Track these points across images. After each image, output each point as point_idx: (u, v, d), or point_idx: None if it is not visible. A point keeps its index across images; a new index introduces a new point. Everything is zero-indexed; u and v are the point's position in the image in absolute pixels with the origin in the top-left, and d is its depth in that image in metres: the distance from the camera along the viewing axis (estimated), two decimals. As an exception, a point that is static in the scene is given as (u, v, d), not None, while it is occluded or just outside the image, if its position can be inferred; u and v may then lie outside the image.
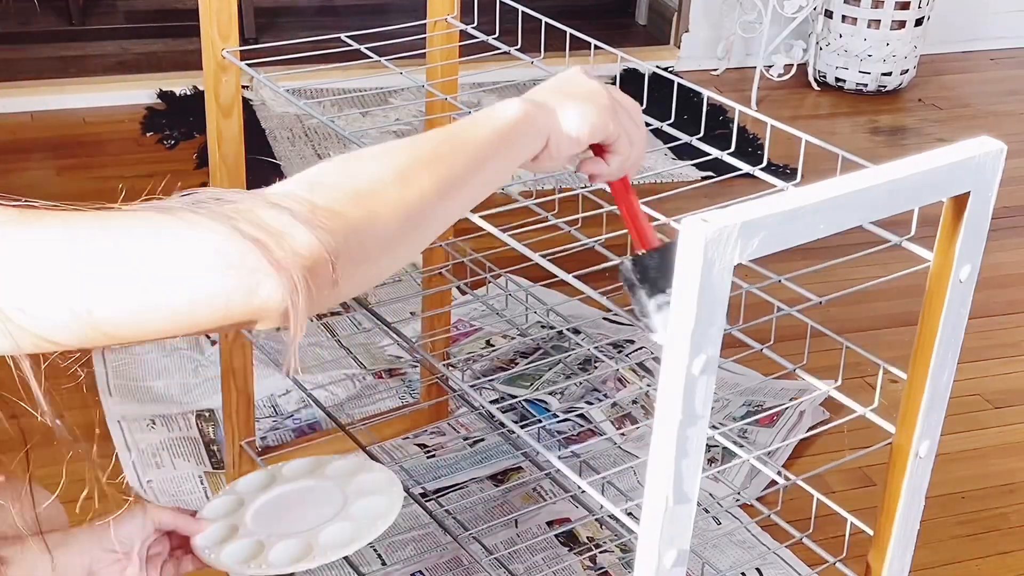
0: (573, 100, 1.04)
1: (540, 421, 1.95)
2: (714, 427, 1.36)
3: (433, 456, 2.01)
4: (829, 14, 3.53)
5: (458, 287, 2.01)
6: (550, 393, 2.07)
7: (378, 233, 0.88)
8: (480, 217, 1.19)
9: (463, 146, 0.97)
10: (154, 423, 2.07)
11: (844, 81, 3.58)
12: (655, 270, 1.02)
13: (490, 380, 2.06)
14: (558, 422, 2.04)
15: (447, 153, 0.96)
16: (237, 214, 0.81)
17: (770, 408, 2.13)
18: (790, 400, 2.14)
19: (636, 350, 2.23)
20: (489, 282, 1.78)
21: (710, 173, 1.37)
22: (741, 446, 1.40)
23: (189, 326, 0.81)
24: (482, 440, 2.03)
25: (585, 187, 1.35)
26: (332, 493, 1.38)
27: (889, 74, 3.56)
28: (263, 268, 0.79)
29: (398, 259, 0.93)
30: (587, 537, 1.84)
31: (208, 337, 2.23)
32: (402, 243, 0.91)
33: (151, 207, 0.82)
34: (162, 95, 3.24)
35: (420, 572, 1.76)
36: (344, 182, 0.88)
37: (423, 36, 1.75)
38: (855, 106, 3.53)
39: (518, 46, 1.58)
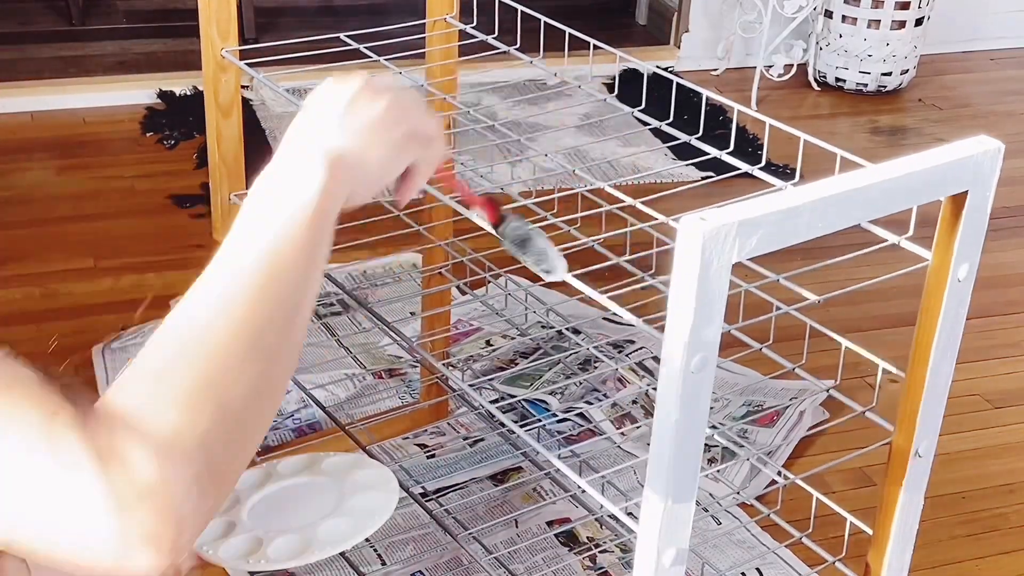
0: (365, 153, 0.91)
1: (540, 421, 1.95)
2: (714, 427, 1.36)
3: (433, 456, 2.01)
4: (829, 14, 3.53)
5: (458, 287, 2.01)
6: (550, 393, 2.07)
7: (234, 424, 0.77)
8: (479, 217, 1.19)
9: (271, 280, 0.81)
10: (154, 423, 2.07)
11: (844, 81, 3.58)
12: (524, 228, 1.07)
13: (490, 380, 2.06)
14: (558, 422, 2.04)
15: (259, 282, 0.81)
16: (104, 452, 0.71)
17: (770, 408, 2.13)
18: (790, 400, 2.14)
19: (636, 350, 2.23)
20: (489, 282, 1.78)
21: (710, 173, 1.37)
22: (741, 446, 1.41)
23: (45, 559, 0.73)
24: (482, 440, 2.03)
25: (585, 187, 1.36)
26: (328, 489, 1.38)
27: (889, 74, 3.56)
28: (139, 539, 0.71)
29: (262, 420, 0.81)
30: (587, 537, 1.84)
31: (208, 337, 2.23)
32: (259, 412, 0.80)
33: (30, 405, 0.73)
34: (162, 95, 3.24)
35: (420, 572, 1.76)
36: (185, 383, 0.76)
37: (422, 36, 1.75)
38: (855, 106, 3.53)
39: (517, 46, 1.58)
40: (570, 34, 1.52)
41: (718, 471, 1.95)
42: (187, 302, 0.82)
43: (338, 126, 0.91)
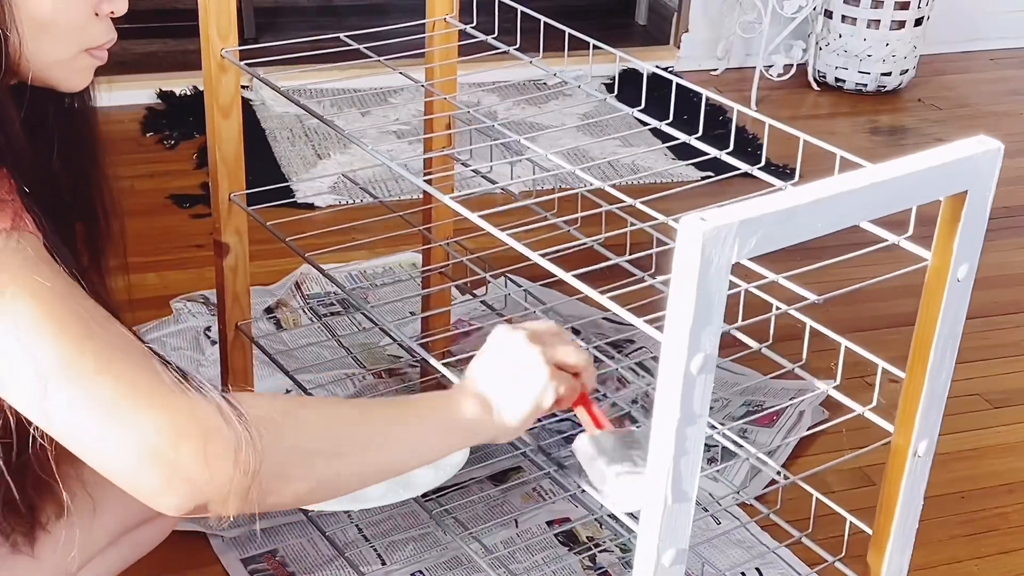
0: (514, 392, 1.14)
1: (540, 421, 1.95)
2: (713, 426, 1.36)
3: (433, 456, 2.00)
4: (829, 14, 3.53)
5: (457, 287, 2.01)
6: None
7: (281, 499, 1.02)
8: (480, 217, 1.20)
9: (406, 435, 1.11)
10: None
11: (844, 81, 3.58)
12: (611, 447, 1.10)
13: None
14: (558, 422, 2.04)
15: (389, 439, 1.10)
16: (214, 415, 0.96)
17: (770, 408, 2.13)
18: (789, 400, 2.14)
19: (636, 350, 2.23)
20: (489, 282, 1.78)
21: (709, 173, 1.37)
22: (741, 446, 1.41)
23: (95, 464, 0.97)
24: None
25: (585, 187, 1.36)
26: None
27: (889, 74, 3.56)
28: (179, 483, 0.94)
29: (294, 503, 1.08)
30: (587, 537, 1.84)
31: (208, 336, 2.23)
32: (301, 503, 1.10)
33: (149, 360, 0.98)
34: (162, 95, 3.24)
35: (420, 572, 1.76)
36: (286, 437, 1.00)
37: (422, 36, 1.76)
38: (855, 106, 3.53)
39: (517, 46, 1.58)
40: (570, 34, 1.52)
41: (718, 471, 1.95)
42: (352, 412, 1.11)
43: (492, 376, 1.16)
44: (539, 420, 1.63)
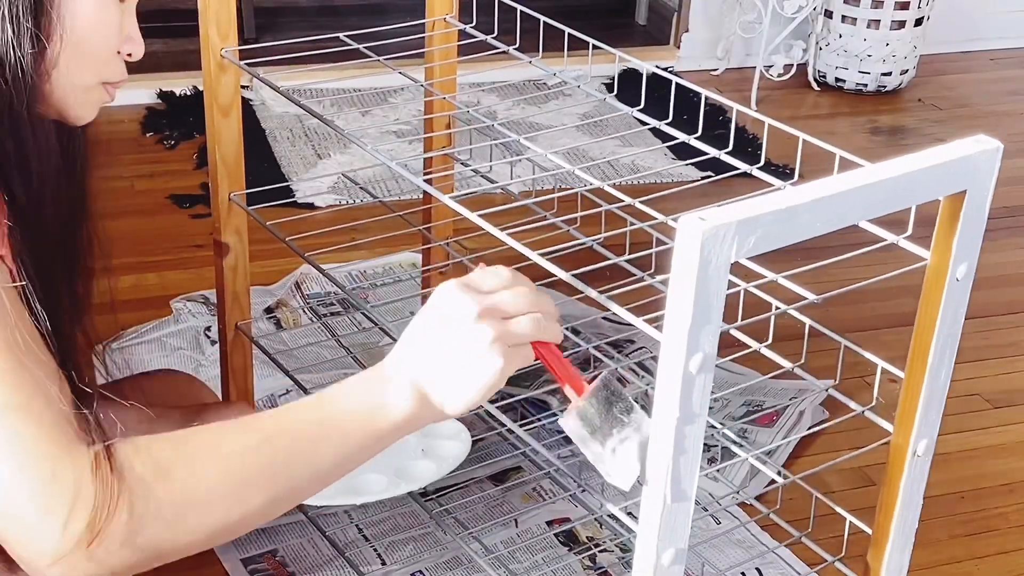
0: (459, 381, 0.98)
1: (540, 421, 1.95)
2: (713, 426, 1.36)
3: (433, 456, 2.01)
4: (829, 14, 3.53)
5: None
6: (550, 393, 2.07)
7: (179, 543, 0.95)
8: (479, 216, 1.19)
9: (325, 457, 1.00)
10: (154, 423, 2.08)
11: (844, 81, 3.58)
12: (598, 416, 0.98)
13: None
14: (556, 420, 2.04)
15: (302, 465, 0.99)
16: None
17: (769, 408, 2.13)
18: (789, 400, 2.14)
19: (636, 350, 2.23)
20: (488, 282, 1.77)
21: (709, 173, 1.37)
22: (740, 445, 1.41)
23: None
24: (482, 440, 2.03)
25: (584, 187, 1.36)
26: (411, 437, 1.52)
27: (889, 74, 3.56)
28: (52, 560, 0.90)
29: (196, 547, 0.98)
30: (587, 537, 1.84)
31: (208, 336, 2.23)
32: (201, 546, 0.98)
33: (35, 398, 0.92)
34: (162, 95, 3.24)
35: (420, 572, 1.76)
36: (173, 489, 0.93)
37: (422, 36, 1.76)
38: (855, 106, 3.53)
39: (516, 46, 1.58)
40: (569, 34, 1.52)
41: (718, 471, 1.95)
42: (239, 438, 0.99)
43: (424, 354, 1.02)
44: (539, 420, 1.63)
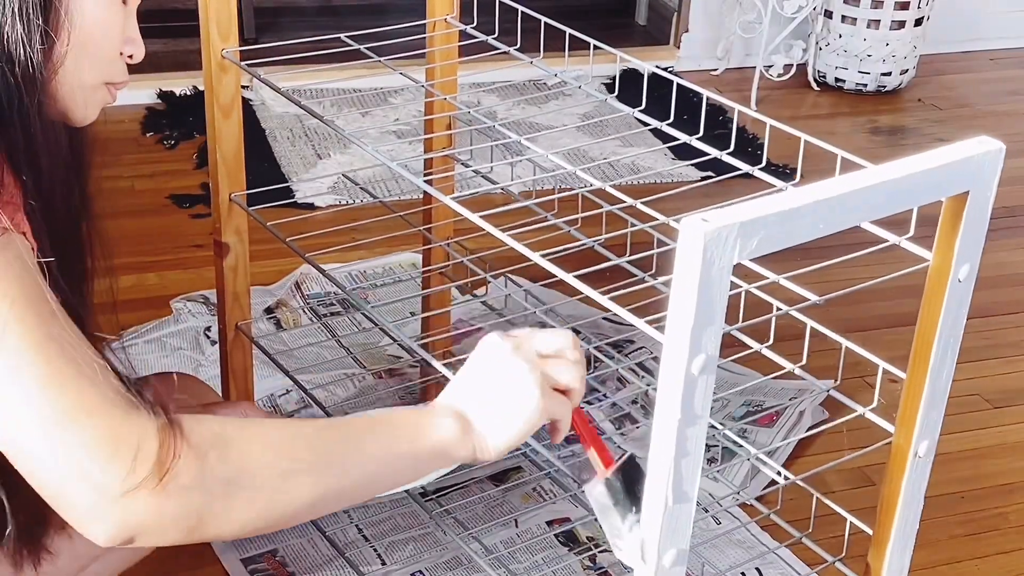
0: (501, 414, 1.05)
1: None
2: (713, 427, 1.36)
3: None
4: (829, 14, 3.53)
5: (458, 287, 2.01)
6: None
7: (223, 522, 0.95)
8: (480, 217, 1.19)
9: (371, 456, 1.02)
10: (154, 423, 2.07)
11: (844, 81, 3.58)
12: (622, 491, 1.04)
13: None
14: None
15: (350, 460, 1.01)
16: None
17: (770, 408, 2.13)
18: (790, 400, 2.14)
19: (636, 350, 2.23)
20: (489, 282, 1.78)
21: (710, 173, 1.37)
22: (741, 446, 1.41)
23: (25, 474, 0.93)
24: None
25: (585, 187, 1.36)
26: None
27: (889, 74, 3.56)
28: (104, 508, 0.90)
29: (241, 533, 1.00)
30: (587, 537, 1.84)
31: (208, 336, 2.23)
32: (252, 530, 0.99)
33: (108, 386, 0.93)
34: (162, 95, 3.24)
35: (420, 572, 1.76)
36: (231, 459, 0.95)
37: (423, 36, 1.76)
38: (855, 106, 3.53)
39: (517, 46, 1.58)
40: (570, 34, 1.52)
41: (718, 471, 1.95)
42: (308, 431, 1.02)
43: (476, 393, 1.07)
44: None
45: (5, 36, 0.99)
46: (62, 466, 0.90)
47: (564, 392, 1.09)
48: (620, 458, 1.06)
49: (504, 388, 1.06)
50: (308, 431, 1.01)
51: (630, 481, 1.04)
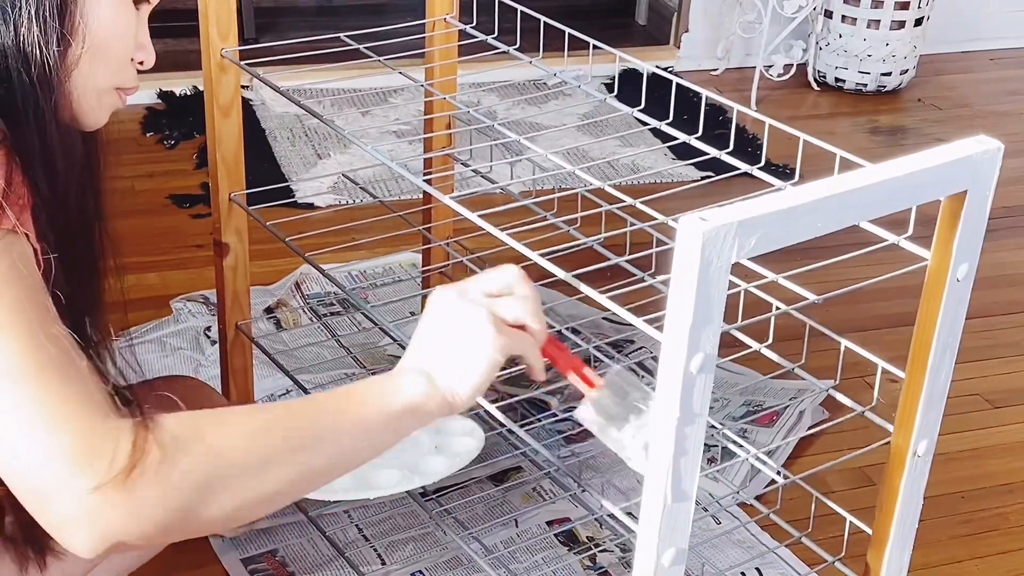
0: (461, 360, 1.05)
1: (540, 421, 1.95)
2: (713, 426, 1.36)
3: (433, 456, 2.00)
4: (829, 14, 3.53)
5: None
6: (550, 393, 2.07)
7: (205, 511, 0.94)
8: (479, 216, 1.20)
9: (344, 429, 1.02)
10: (154, 423, 2.07)
11: (844, 81, 3.58)
12: (614, 405, 1.03)
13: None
14: (558, 422, 2.04)
15: (324, 438, 1.01)
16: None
17: (769, 408, 2.13)
18: (789, 399, 2.14)
19: (636, 350, 2.23)
20: (488, 282, 1.77)
21: (709, 173, 1.37)
22: (740, 445, 1.41)
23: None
24: (482, 440, 2.03)
25: (584, 187, 1.36)
26: (424, 434, 1.50)
27: (889, 74, 3.56)
28: (82, 517, 0.89)
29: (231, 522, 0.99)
30: (587, 537, 1.84)
31: (208, 336, 2.23)
32: (241, 518, 0.99)
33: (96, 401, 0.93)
34: (162, 95, 3.24)
35: (420, 572, 1.76)
36: (204, 455, 0.94)
37: (422, 36, 1.76)
38: (855, 106, 3.53)
39: (517, 46, 1.58)
40: (570, 34, 1.52)
41: (718, 471, 1.95)
42: (280, 413, 1.03)
43: (431, 345, 1.06)
44: (539, 420, 1.63)
45: (22, 38, 1.00)
46: (42, 475, 0.90)
47: (523, 328, 1.08)
48: (602, 374, 1.05)
49: (458, 334, 1.05)
50: (278, 416, 1.02)
51: (620, 393, 1.03)
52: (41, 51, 1.01)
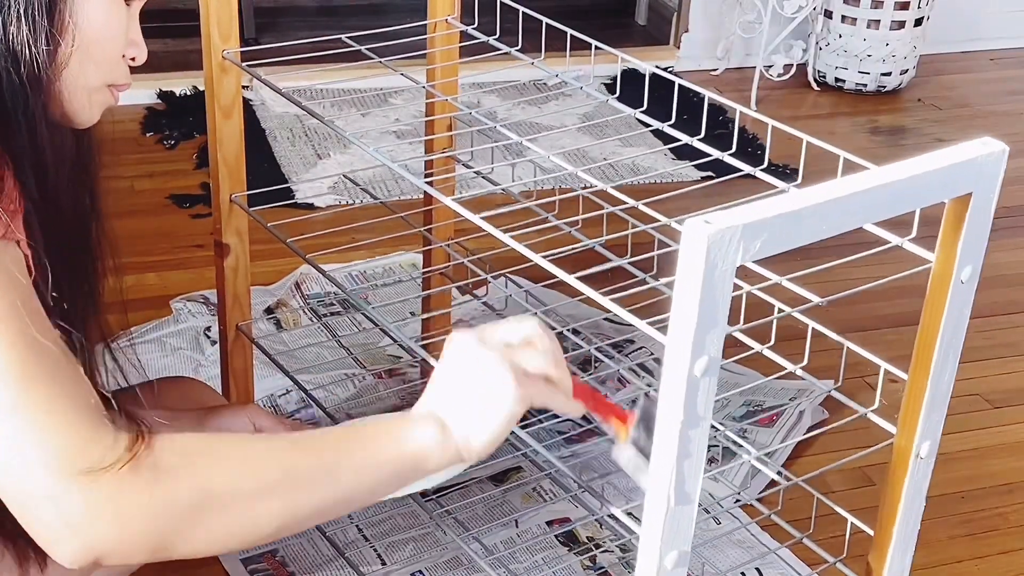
0: (478, 410, 1.02)
1: (540, 421, 1.95)
2: (714, 427, 1.36)
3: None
4: (829, 14, 3.53)
5: (458, 288, 2.01)
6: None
7: (193, 538, 0.93)
8: (480, 218, 1.19)
9: (346, 469, 0.99)
10: (154, 423, 2.07)
11: (844, 81, 3.58)
12: (648, 444, 1.01)
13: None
14: (558, 422, 2.04)
15: (323, 478, 0.98)
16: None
17: (770, 408, 2.13)
18: (790, 400, 2.14)
19: (636, 350, 2.23)
20: (489, 283, 1.78)
21: (710, 173, 1.37)
22: (741, 446, 1.41)
23: None
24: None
25: (586, 188, 1.36)
26: None
27: (889, 74, 3.56)
28: (65, 528, 0.89)
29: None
30: (587, 537, 1.84)
31: (208, 336, 2.23)
32: (226, 547, 0.98)
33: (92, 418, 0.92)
34: (162, 95, 3.24)
35: (420, 572, 1.76)
36: (197, 480, 0.93)
37: (424, 37, 1.75)
38: (855, 106, 3.53)
39: (518, 47, 1.58)
40: (571, 35, 1.52)
41: (718, 472, 1.95)
42: (282, 445, 1.00)
43: (451, 395, 1.04)
44: (540, 421, 1.63)
45: (10, 37, 1.00)
46: (27, 484, 0.90)
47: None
48: (634, 406, 1.04)
49: (477, 383, 1.02)
50: (279, 448, 0.99)
51: (650, 426, 1.01)
52: (30, 50, 1.01)
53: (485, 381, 1.02)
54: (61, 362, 0.94)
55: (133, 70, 1.14)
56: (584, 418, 2.03)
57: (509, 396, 1.01)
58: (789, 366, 1.29)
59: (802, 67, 3.61)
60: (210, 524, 0.93)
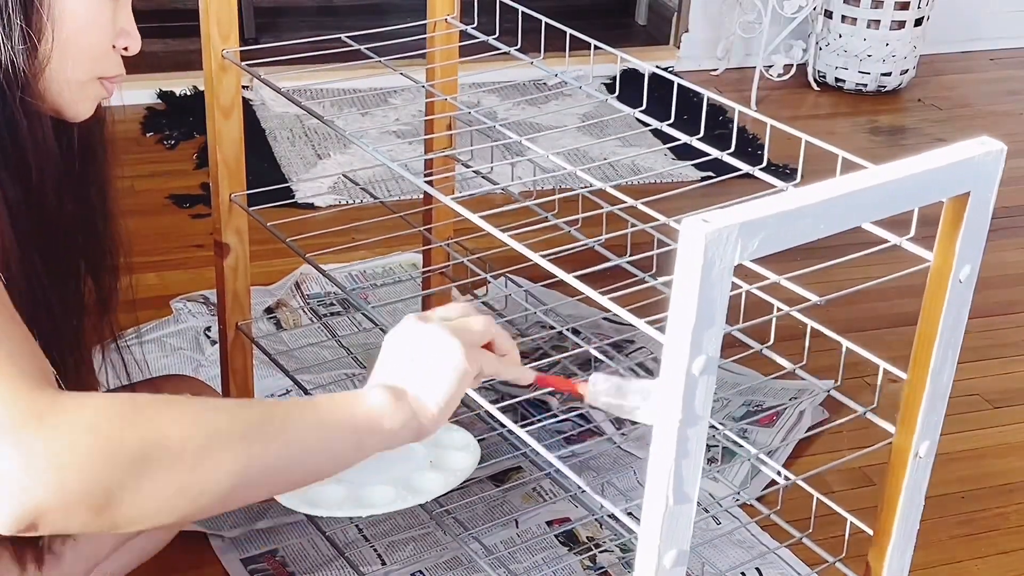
0: (429, 373, 1.01)
1: (540, 421, 1.95)
2: (714, 427, 1.36)
3: (433, 456, 2.00)
4: (829, 14, 3.53)
5: (458, 287, 2.01)
6: (550, 393, 2.07)
7: (139, 496, 0.86)
8: (480, 217, 1.19)
9: (299, 426, 0.94)
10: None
11: (844, 81, 3.58)
12: (610, 392, 1.05)
13: (489, 380, 2.06)
14: (558, 422, 2.04)
15: (274, 430, 0.93)
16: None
17: (770, 408, 2.13)
18: (790, 400, 2.14)
19: (636, 350, 2.23)
20: (489, 282, 1.78)
21: (710, 173, 1.37)
22: (741, 446, 1.41)
23: None
24: (482, 440, 2.03)
25: (585, 188, 1.36)
26: (418, 449, 1.46)
27: (889, 74, 3.56)
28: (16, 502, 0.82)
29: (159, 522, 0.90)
30: (587, 537, 1.84)
31: (208, 336, 2.23)
32: (169, 513, 0.89)
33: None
34: (162, 95, 3.24)
35: (420, 572, 1.76)
36: (142, 429, 0.86)
37: (423, 36, 1.76)
38: (855, 106, 3.53)
39: (518, 46, 1.58)
40: (571, 35, 1.52)
41: (718, 471, 1.95)
42: (224, 407, 0.93)
43: (399, 365, 1.02)
44: (539, 421, 1.63)
45: None
46: None
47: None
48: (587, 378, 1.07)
49: (424, 350, 1.01)
50: (228, 405, 0.95)
51: (617, 384, 1.05)
52: (5, 50, 1.00)
53: (431, 345, 1.01)
54: (11, 325, 0.90)
55: (133, 68, 1.13)
56: (582, 416, 2.04)
57: (456, 352, 1.01)
58: (788, 366, 1.29)
59: (802, 67, 3.61)
60: (157, 477, 0.86)
